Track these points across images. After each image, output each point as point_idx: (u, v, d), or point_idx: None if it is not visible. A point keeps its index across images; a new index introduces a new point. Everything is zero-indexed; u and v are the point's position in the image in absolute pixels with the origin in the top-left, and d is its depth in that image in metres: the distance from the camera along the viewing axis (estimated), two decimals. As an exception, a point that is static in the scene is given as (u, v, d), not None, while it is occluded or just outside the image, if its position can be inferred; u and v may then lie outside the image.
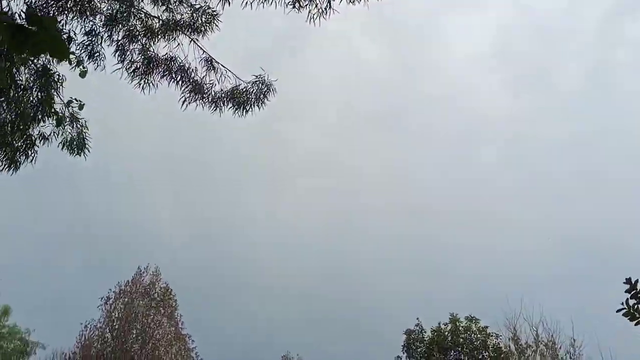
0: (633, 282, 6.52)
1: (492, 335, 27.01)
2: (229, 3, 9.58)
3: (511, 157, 66.94)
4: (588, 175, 59.95)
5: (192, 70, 10.79)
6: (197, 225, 57.99)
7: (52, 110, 9.70)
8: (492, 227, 59.17)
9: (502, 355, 26.13)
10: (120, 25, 10.70)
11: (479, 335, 27.36)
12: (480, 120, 67.90)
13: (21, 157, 9.83)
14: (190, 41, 11.05)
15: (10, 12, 8.77)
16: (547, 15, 68.99)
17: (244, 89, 11.08)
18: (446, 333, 28.18)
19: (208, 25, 11.00)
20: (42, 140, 10.22)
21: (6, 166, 9.74)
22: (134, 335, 28.71)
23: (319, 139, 65.86)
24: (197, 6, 10.89)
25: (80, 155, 10.54)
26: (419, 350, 28.34)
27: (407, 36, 72.31)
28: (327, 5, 8.87)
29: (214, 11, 10.84)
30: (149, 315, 29.42)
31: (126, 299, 29.49)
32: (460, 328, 27.96)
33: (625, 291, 6.62)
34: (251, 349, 38.86)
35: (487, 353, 26.75)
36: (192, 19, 11.00)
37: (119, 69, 10.49)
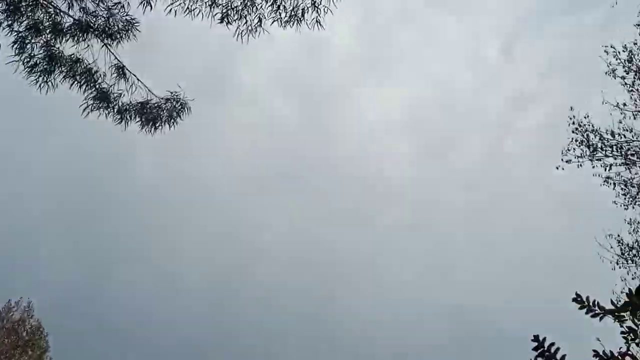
0: (541, 340, 6.24)
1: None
2: (151, 7, 8.84)
3: (411, 220, 69.25)
4: (480, 240, 63.07)
5: (100, 75, 9.82)
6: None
7: None
8: (386, 288, 60.00)
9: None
10: (24, 16, 9.63)
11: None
12: (385, 183, 70.10)
13: None
14: (103, 45, 10.15)
15: None
16: (457, 95, 73.77)
17: (156, 104, 10.23)
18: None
19: (124, 32, 10.20)
20: None
21: None
22: (-9, 378, 25.30)
23: (230, 190, 64.78)
24: (115, 11, 10.09)
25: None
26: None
27: (320, 96, 74.13)
28: (257, 23, 8.40)
29: (134, 19, 10.08)
30: (13, 356, 26.15)
31: (-12, 336, 26.11)
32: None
33: (533, 349, 6.31)
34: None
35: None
36: (108, 23, 10.16)
37: (15, 61, 9.32)
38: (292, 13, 8.70)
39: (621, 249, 13.23)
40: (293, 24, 8.68)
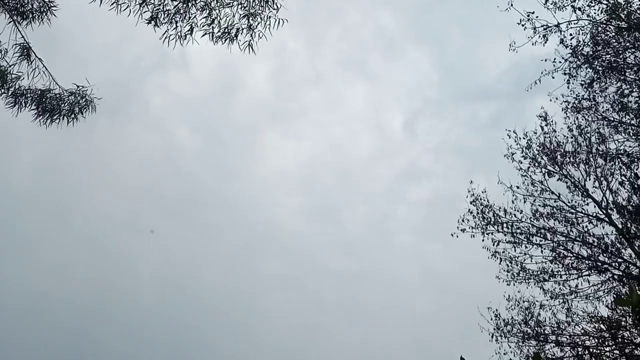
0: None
1: None
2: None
3: (292, 273, 68.90)
4: (351, 306, 63.86)
5: (1, 50, 8.92)
6: None
7: None
8: (256, 335, 58.58)
9: None
10: None
11: None
12: (274, 232, 69.80)
13: None
14: (11, 21, 9.27)
15: None
16: (354, 159, 76.19)
17: (58, 95, 9.41)
18: None
19: (38, 13, 9.42)
20: None
21: None
22: None
23: (114, 214, 61.47)
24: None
25: None
26: None
27: (223, 134, 73.66)
28: (188, 31, 8.05)
29: (52, 1, 9.37)
30: None
31: None
32: None
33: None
34: None
35: None
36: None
37: None
38: (226, 30, 8.47)
39: (497, 323, 13.77)
40: (225, 42, 8.43)
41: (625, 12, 11.15)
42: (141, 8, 8.28)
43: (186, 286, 60.08)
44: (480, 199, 13.42)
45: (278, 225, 67.86)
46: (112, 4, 8.31)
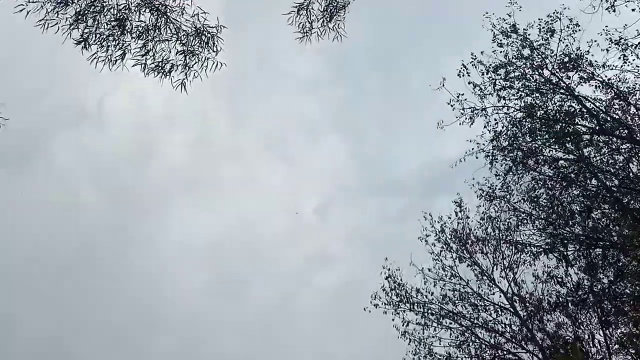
0: None
1: None
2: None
3: (181, 354, 64.66)
4: None
5: None
6: None
7: None
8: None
9: None
10: None
11: None
12: (169, 306, 65.90)
13: None
14: None
15: None
16: (264, 239, 75.20)
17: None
18: None
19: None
20: None
21: None
22: None
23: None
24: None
25: None
26: None
27: (135, 200, 70.63)
28: (119, 56, 7.57)
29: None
30: None
31: None
32: None
33: None
34: None
35: None
36: None
37: None
38: (160, 64, 8.06)
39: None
40: (157, 75, 8.00)
41: (540, 112, 11.96)
42: (70, 28, 7.75)
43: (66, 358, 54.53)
44: (394, 277, 13.31)
45: (176, 301, 64.16)
46: (40, 20, 7.70)
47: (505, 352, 12.80)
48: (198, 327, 68.66)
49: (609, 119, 12.30)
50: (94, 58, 7.45)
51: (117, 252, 67.92)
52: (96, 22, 7.77)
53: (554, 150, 12.38)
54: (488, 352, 13.27)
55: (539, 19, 12.72)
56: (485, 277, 14.02)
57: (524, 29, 12.80)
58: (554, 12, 12.59)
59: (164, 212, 73.37)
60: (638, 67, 11.91)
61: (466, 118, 12.73)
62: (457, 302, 13.48)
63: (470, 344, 12.83)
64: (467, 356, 13.18)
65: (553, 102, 12.38)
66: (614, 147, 12.56)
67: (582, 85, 12.51)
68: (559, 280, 12.82)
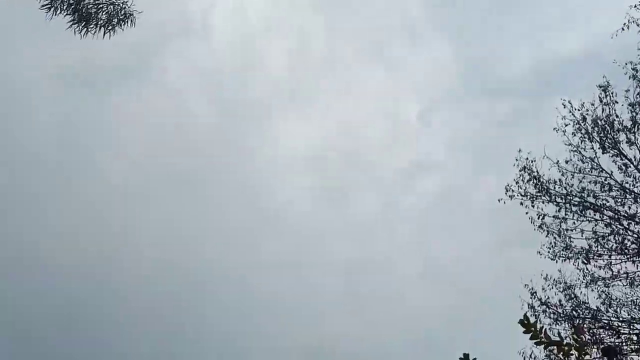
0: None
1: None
2: None
3: (293, 256, 68.21)
4: (353, 294, 63.35)
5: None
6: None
7: None
8: (256, 316, 58.42)
9: None
10: None
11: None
12: (278, 212, 68.91)
13: None
14: None
15: None
16: (366, 145, 74.91)
17: (96, 3, 8.67)
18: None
19: None
20: None
21: None
22: None
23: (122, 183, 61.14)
24: None
25: None
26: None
27: (241, 109, 72.86)
28: None
29: None
30: None
31: None
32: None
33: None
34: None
35: None
36: None
37: None
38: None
39: (530, 303, 13.04)
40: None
41: None
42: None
43: (185, 260, 59.74)
44: (529, 168, 12.60)
45: (284, 207, 66.76)
46: None
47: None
48: (306, 233, 71.62)
49: None
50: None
51: (227, 163, 71.33)
52: None
53: None
54: (630, 247, 12.43)
55: None
56: (631, 169, 12.86)
57: None
58: None
59: (268, 123, 75.07)
60: None
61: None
62: (598, 194, 12.58)
63: (616, 236, 12.02)
64: (607, 250, 12.47)
65: None
66: None
67: None
68: None
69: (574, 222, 12.16)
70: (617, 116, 12.66)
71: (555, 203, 12.14)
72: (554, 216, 12.35)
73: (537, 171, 12.56)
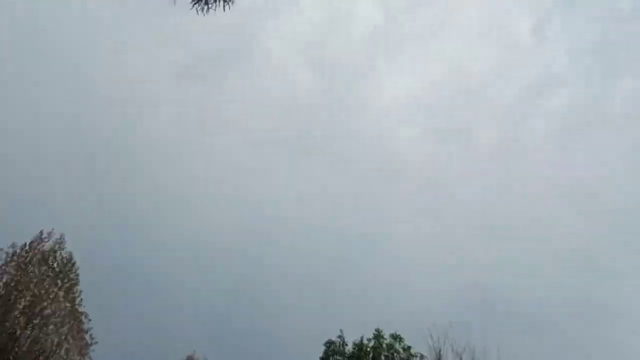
0: None
1: (415, 356, 26.15)
2: None
3: (424, 200, 68.60)
4: (489, 227, 62.76)
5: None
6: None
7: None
8: (398, 264, 59.85)
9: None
10: None
11: (402, 355, 26.41)
12: (401, 160, 69.18)
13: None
14: None
15: None
16: (480, 71, 72.58)
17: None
18: (368, 349, 26.99)
19: None
20: None
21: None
22: (20, 306, 24.69)
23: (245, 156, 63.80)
24: None
25: None
26: (337, 363, 26.86)
27: (343, 68, 72.88)
28: None
29: None
30: (42, 287, 25.55)
31: (19, 264, 25.43)
32: (384, 345, 26.90)
33: None
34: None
35: (408, 374, 25.82)
36: None
37: None
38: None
39: None
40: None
41: None
42: None
43: (323, 219, 61.73)
44: None
45: (404, 153, 67.21)
46: None
47: None
48: (432, 174, 71.23)
49: None
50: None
51: (340, 120, 72.12)
52: None
53: None
54: None
55: None
56: None
57: None
58: None
59: (373, 74, 74.79)
60: None
61: None
62: None
63: None
64: None
65: None
66: None
67: None
68: None
69: None
70: None
71: None
72: None
73: None
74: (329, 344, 27.30)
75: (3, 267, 25.08)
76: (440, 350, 25.29)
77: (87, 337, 26.00)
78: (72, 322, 25.67)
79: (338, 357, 26.90)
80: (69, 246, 27.07)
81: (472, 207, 63.97)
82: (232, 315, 45.51)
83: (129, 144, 59.01)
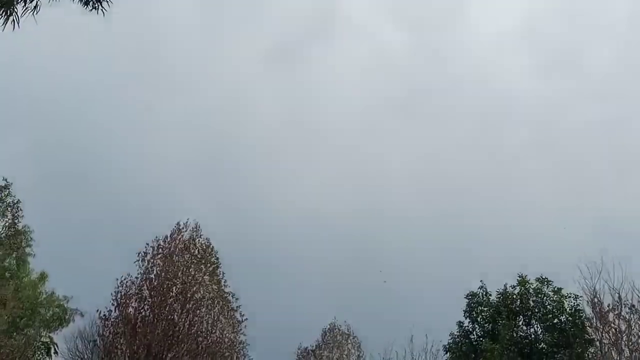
0: None
1: (570, 297, 24.80)
2: None
3: (540, 140, 64.81)
4: (618, 159, 58.11)
5: None
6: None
7: None
8: (519, 210, 57.39)
9: (584, 318, 24.02)
10: None
11: (553, 297, 25.17)
12: (508, 102, 65.66)
13: None
14: None
15: None
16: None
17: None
18: (514, 296, 26.02)
19: None
20: None
21: None
22: (173, 294, 26.38)
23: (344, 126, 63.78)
24: None
25: None
26: (483, 314, 26.14)
27: (429, 17, 69.99)
28: None
29: None
30: (189, 273, 27.10)
31: (165, 255, 27.11)
32: (531, 290, 25.80)
33: None
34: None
35: (563, 317, 24.56)
36: None
37: None
38: None
39: None
40: None
41: None
42: None
43: (435, 179, 60.39)
44: None
45: (510, 94, 63.77)
46: None
47: None
48: (544, 110, 66.92)
49: None
50: None
51: (436, 73, 69.75)
52: None
53: None
54: None
55: None
56: None
57: None
58: None
59: (461, 18, 70.99)
60: None
61: None
62: None
63: None
64: None
65: None
66: None
67: None
68: None
69: None
70: None
71: None
72: None
73: None
74: (471, 296, 26.64)
75: (152, 260, 26.82)
76: (594, 288, 23.90)
77: (237, 314, 27.31)
78: (221, 302, 27.06)
79: (483, 309, 26.19)
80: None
81: (594, 137, 59.72)
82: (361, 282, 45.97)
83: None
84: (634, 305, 23.03)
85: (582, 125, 59.69)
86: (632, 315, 23.22)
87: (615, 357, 22.88)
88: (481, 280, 26.87)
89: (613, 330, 23.19)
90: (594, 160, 58.72)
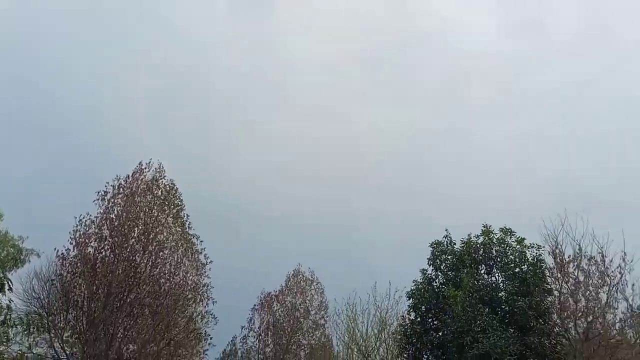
0: None
1: (532, 247, 25.22)
2: None
3: (503, 100, 65.45)
4: (574, 124, 59.43)
5: None
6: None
7: None
8: (480, 167, 58.36)
9: (545, 268, 24.52)
10: None
11: (516, 247, 25.57)
12: (473, 61, 65.58)
13: None
14: None
15: None
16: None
17: None
18: (477, 245, 26.33)
19: None
20: None
21: None
22: (135, 235, 25.60)
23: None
24: None
25: None
26: (446, 262, 26.43)
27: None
28: None
29: None
30: (152, 214, 26.30)
31: (126, 195, 26.14)
32: (494, 240, 26.13)
33: None
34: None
35: (524, 267, 25.01)
36: None
37: None
38: None
39: None
40: None
41: None
42: None
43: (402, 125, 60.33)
44: None
45: (475, 51, 63.45)
46: None
47: None
48: (507, 70, 66.34)
49: None
50: None
51: (403, 26, 68.29)
52: None
53: None
54: None
55: None
56: None
57: None
58: None
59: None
60: None
61: None
62: None
63: None
64: None
65: None
66: None
67: None
68: None
69: None
70: None
71: None
72: None
73: None
74: (436, 244, 26.85)
75: (112, 200, 25.83)
76: (556, 239, 24.32)
77: (201, 257, 26.85)
78: (185, 245, 26.48)
79: (447, 257, 26.46)
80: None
81: (554, 102, 60.62)
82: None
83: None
84: (593, 257, 23.54)
85: (546, 85, 60.27)
86: (590, 267, 23.78)
87: (572, 306, 23.57)
88: (446, 230, 27.17)
89: (572, 280, 23.76)
90: (554, 123, 59.81)
